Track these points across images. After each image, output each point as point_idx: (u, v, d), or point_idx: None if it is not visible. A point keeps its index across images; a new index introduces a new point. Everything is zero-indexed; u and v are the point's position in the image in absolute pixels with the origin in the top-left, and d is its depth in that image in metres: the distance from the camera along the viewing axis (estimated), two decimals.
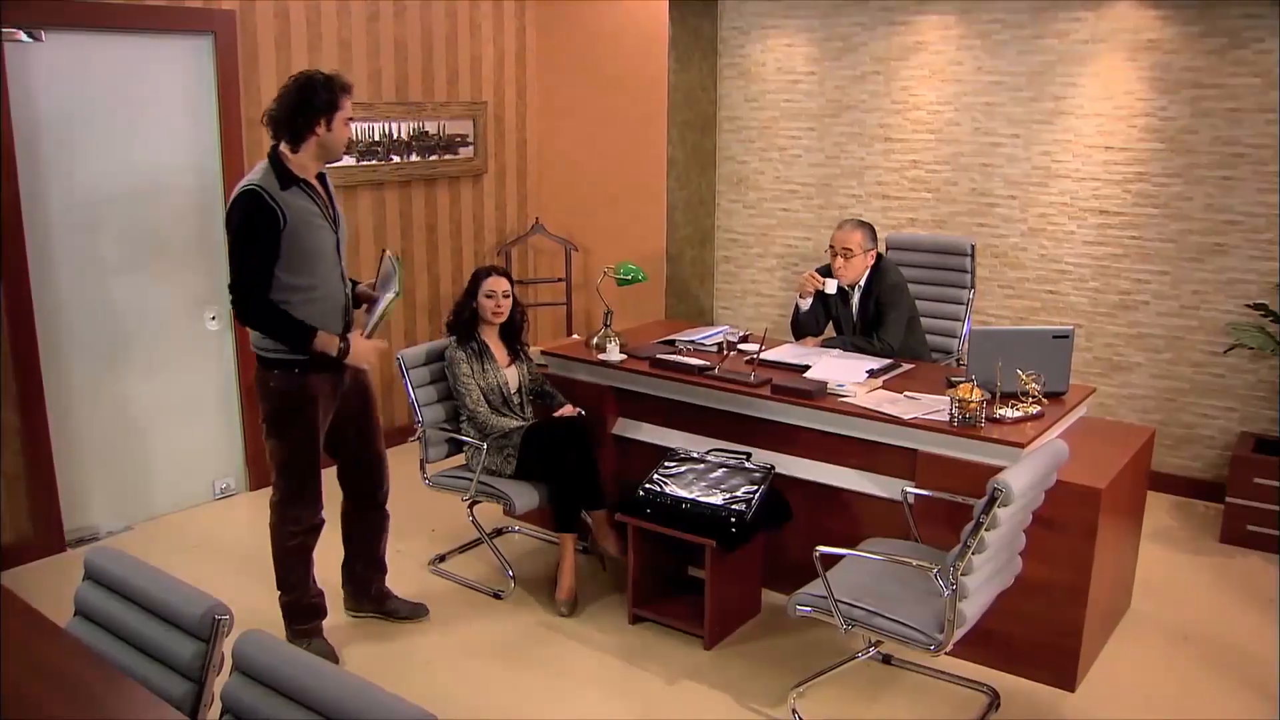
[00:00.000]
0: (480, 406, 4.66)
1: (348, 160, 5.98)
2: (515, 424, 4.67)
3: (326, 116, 3.76)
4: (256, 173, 3.77)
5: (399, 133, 6.26)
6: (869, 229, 5.09)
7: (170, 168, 5.32)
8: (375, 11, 6.05)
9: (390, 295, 4.00)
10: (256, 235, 3.70)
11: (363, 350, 3.95)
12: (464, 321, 4.74)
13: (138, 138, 5.18)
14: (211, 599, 2.41)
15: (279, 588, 4.17)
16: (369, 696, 2.02)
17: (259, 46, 5.53)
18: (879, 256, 5.14)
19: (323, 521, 4.15)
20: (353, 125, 3.97)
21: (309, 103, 3.75)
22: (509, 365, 4.79)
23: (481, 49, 6.73)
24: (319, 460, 4.04)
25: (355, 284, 4.15)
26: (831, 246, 5.11)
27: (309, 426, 3.95)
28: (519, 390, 4.82)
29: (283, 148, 3.81)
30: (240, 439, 5.80)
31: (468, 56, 6.65)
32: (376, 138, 6.14)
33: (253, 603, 4.36)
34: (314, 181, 3.86)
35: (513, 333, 4.86)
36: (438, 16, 6.41)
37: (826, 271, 5.13)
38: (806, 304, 5.24)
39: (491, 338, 4.78)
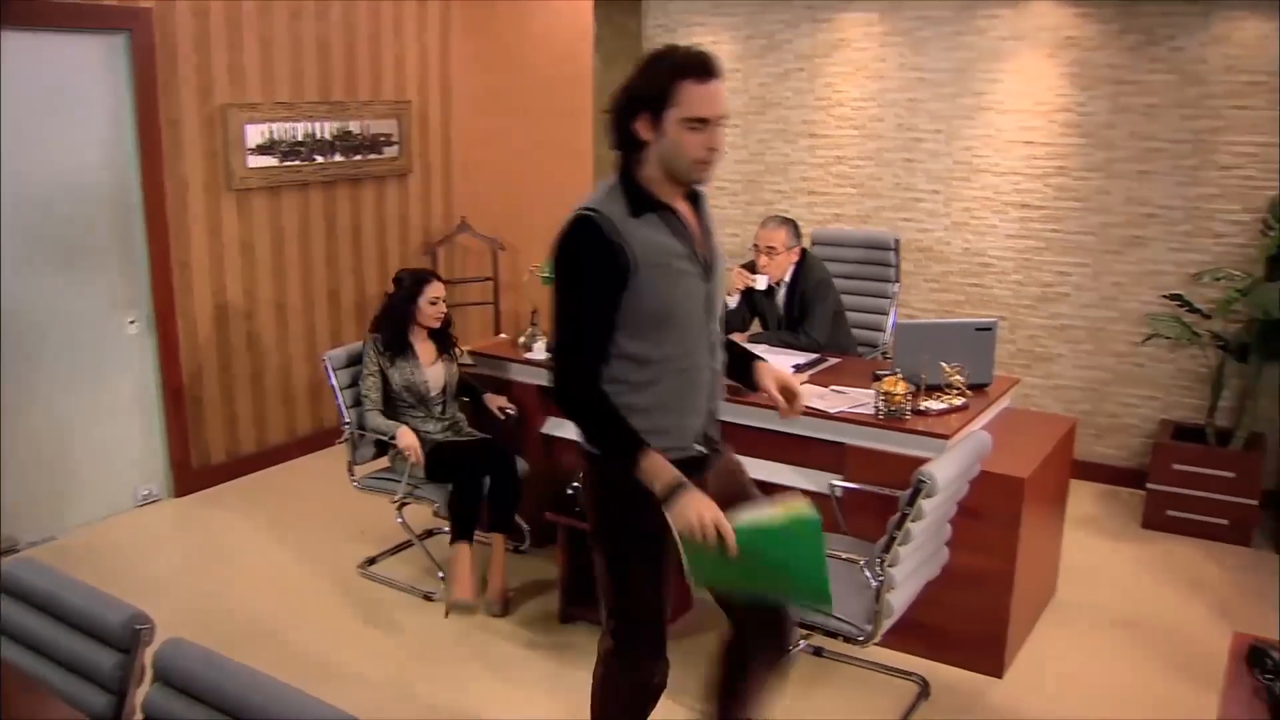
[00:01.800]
0: (367, 401, 4.66)
1: (269, 161, 5.88)
2: (392, 427, 4.59)
3: (653, 113, 2.61)
4: (598, 192, 2.71)
5: (322, 132, 6.17)
6: (792, 225, 5.12)
7: (86, 168, 5.20)
8: (297, 10, 5.97)
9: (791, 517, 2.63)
10: (590, 281, 2.63)
11: (690, 510, 2.59)
12: (394, 321, 4.70)
13: (51, 138, 5.05)
14: (132, 608, 2.36)
15: None
16: (292, 701, 2.00)
17: (178, 45, 5.41)
18: (803, 252, 5.17)
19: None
20: (709, 132, 2.63)
21: (632, 93, 2.65)
22: (433, 364, 4.76)
23: (405, 47, 6.67)
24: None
25: (753, 356, 3.13)
26: (756, 244, 5.14)
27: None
28: (442, 390, 4.77)
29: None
30: (162, 445, 5.68)
31: (391, 55, 6.58)
32: (300, 138, 6.05)
33: (174, 611, 4.29)
34: (679, 207, 2.74)
35: (444, 333, 4.83)
36: (361, 15, 6.34)
37: (752, 269, 5.15)
38: (734, 302, 5.25)
39: (419, 338, 4.74)
